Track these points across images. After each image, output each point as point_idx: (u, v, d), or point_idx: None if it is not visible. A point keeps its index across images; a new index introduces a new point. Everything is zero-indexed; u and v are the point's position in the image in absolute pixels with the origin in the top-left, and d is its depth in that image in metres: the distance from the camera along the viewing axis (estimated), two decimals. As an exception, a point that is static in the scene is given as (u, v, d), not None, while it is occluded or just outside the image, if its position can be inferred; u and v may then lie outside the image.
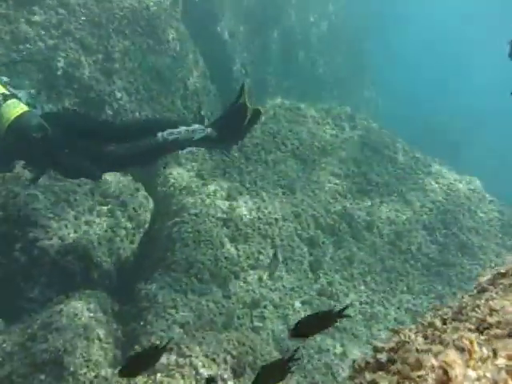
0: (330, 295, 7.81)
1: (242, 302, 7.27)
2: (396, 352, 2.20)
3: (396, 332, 2.41)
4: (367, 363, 2.43)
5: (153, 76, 10.69)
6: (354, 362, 2.54)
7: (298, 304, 7.53)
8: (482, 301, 2.19)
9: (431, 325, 2.31)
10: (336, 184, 9.30)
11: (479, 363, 0.85)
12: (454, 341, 1.66)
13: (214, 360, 4.65)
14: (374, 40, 19.58)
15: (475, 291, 2.45)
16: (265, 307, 7.30)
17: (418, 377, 1.47)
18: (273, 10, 15.37)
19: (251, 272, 7.69)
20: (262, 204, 8.49)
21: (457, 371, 0.77)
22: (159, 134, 5.89)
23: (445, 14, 27.70)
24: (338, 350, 7.19)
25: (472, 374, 0.80)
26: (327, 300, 7.75)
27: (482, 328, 1.68)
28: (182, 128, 6.03)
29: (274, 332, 7.07)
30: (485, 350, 0.88)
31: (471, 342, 0.84)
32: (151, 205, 8.70)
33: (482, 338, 1.48)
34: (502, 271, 2.33)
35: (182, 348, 4.59)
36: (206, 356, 4.65)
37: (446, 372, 0.78)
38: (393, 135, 10.80)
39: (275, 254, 5.24)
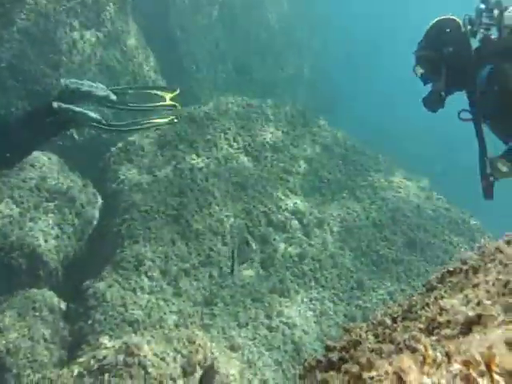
0: (281, 293, 7.81)
1: (193, 300, 7.20)
2: (347, 351, 2.19)
3: (347, 330, 2.40)
4: (318, 362, 2.41)
5: (102, 69, 10.50)
6: (304, 360, 2.52)
7: (248, 301, 7.50)
8: (431, 299, 2.20)
9: (381, 323, 2.31)
10: (287, 181, 9.31)
11: (433, 369, 0.83)
12: (405, 341, 1.65)
13: (163, 359, 4.58)
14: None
15: (424, 289, 2.46)
16: (216, 305, 7.24)
17: (370, 378, 1.45)
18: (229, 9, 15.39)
19: (202, 269, 7.62)
20: (214, 201, 8.42)
21: (411, 377, 0.75)
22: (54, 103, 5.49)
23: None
24: (289, 346, 7.20)
25: (427, 381, 0.78)
26: (278, 297, 7.75)
27: (431, 327, 1.67)
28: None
29: (223, 329, 7.02)
30: (439, 354, 0.86)
31: (425, 346, 0.82)
32: (99, 201, 8.53)
33: (433, 338, 1.47)
34: (450, 269, 2.34)
35: (131, 347, 4.50)
36: (156, 355, 4.57)
37: (400, 378, 0.75)
38: (344, 133, 10.89)
39: (248, 243, 5.13)
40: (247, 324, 7.22)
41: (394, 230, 9.18)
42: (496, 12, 3.84)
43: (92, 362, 4.42)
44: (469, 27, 3.95)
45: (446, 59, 3.98)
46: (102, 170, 9.11)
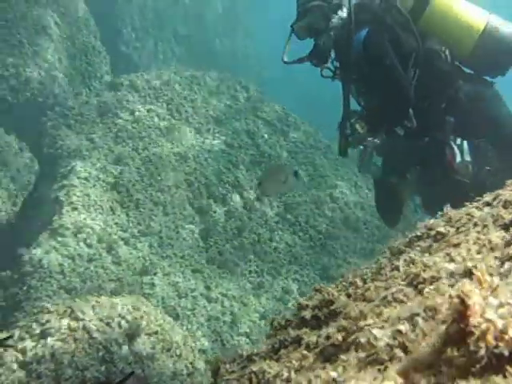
0: (220, 264, 7.84)
1: (132, 269, 7.12)
2: (320, 310, 2.22)
3: (318, 291, 2.44)
4: (287, 321, 2.45)
5: (38, 30, 10.12)
6: (272, 320, 2.55)
7: (188, 272, 7.50)
8: (401, 261, 2.26)
9: (353, 284, 2.36)
10: (229, 154, 9.30)
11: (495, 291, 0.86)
12: (392, 294, 1.70)
13: (108, 324, 4.52)
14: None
15: (388, 254, 2.52)
16: (155, 275, 7.20)
17: (366, 325, 1.49)
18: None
19: (142, 239, 7.55)
20: (155, 171, 8.32)
21: (475, 299, 0.77)
22: None
23: None
24: (228, 317, 7.25)
25: (494, 301, 0.80)
26: (218, 269, 7.78)
27: (415, 283, 1.72)
28: None
29: (163, 299, 7.00)
30: (495, 279, 0.88)
31: (481, 272, 0.84)
32: (36, 166, 8.27)
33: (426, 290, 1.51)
34: (418, 234, 2.41)
35: (75, 311, 4.42)
36: (101, 320, 4.51)
37: (463, 301, 0.77)
38: (285, 110, 10.93)
39: (297, 173, 5.00)
40: (187, 295, 7.22)
41: (331, 207, 9.36)
42: None
43: (34, 325, 4.31)
44: None
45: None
46: (39, 135, 8.82)
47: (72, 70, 10.74)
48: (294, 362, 1.79)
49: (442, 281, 1.43)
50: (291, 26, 4.11)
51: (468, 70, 4.14)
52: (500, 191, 2.13)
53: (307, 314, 2.26)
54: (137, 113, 9.16)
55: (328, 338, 1.69)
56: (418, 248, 2.29)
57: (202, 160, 8.92)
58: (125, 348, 4.47)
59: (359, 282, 2.33)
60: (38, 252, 6.85)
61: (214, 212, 8.40)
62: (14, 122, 8.64)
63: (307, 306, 2.35)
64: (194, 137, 9.29)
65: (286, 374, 1.63)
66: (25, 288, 6.50)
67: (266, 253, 8.31)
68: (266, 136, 10.01)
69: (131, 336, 4.56)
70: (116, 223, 7.47)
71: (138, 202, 7.82)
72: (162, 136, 8.95)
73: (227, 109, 10.05)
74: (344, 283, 2.48)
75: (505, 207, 1.98)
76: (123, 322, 4.62)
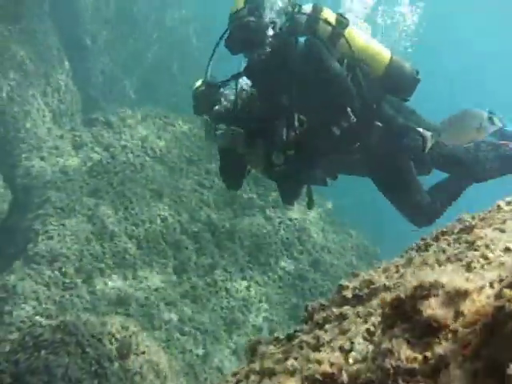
0: (193, 299, 7.88)
1: (108, 299, 7.09)
2: (360, 290, 2.36)
3: (355, 275, 2.58)
4: (321, 305, 2.56)
5: (14, 66, 10.21)
6: (306, 306, 2.66)
7: (162, 305, 7.49)
8: (434, 248, 2.42)
9: (386, 270, 2.51)
10: (202, 193, 9.45)
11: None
12: (456, 254, 1.87)
13: (100, 341, 4.53)
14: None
15: (416, 248, 2.68)
16: (130, 305, 7.17)
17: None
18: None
19: (116, 270, 7.54)
20: (130, 205, 8.38)
21: None
22: None
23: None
24: (200, 351, 7.26)
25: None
26: (191, 303, 7.81)
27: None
28: None
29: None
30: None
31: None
32: (10, 195, 8.20)
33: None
34: (444, 230, 2.59)
35: (69, 326, 4.42)
36: (93, 336, 4.51)
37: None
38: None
39: (491, 117, 4.73)
40: (160, 327, 7.21)
41: (300, 249, 9.56)
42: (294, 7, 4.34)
43: (27, 338, 4.28)
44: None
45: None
46: (13, 166, 8.79)
47: (45, 107, 10.80)
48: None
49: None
50: (225, 42, 4.30)
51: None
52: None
53: (348, 293, 2.39)
54: (111, 149, 9.25)
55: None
56: (446, 240, 2.45)
57: (175, 197, 9.03)
58: (116, 364, 4.47)
59: (393, 268, 2.50)
60: (11, 278, 6.77)
61: (187, 248, 8.46)
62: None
63: (347, 286, 2.49)
64: (167, 175, 9.41)
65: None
66: (-2, 313, 6.39)
67: (237, 290, 8.39)
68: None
69: (122, 353, 4.57)
70: (91, 254, 7.46)
71: (112, 234, 7.84)
72: (136, 172, 9.04)
73: (200, 150, 10.23)
74: (378, 269, 2.63)
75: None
76: (113, 340, 4.63)
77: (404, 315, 1.02)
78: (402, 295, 1.03)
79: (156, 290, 7.65)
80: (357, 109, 4.15)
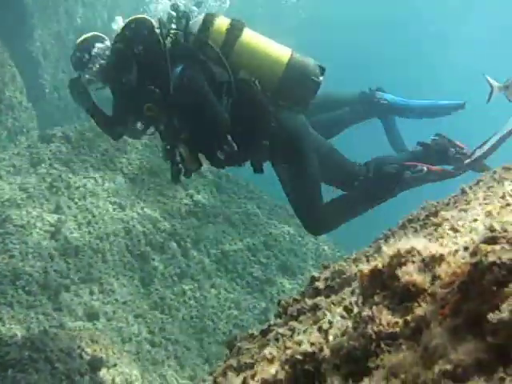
0: (162, 310, 7.81)
1: (74, 315, 6.96)
2: (332, 280, 2.37)
3: (325, 267, 2.60)
4: (294, 300, 2.57)
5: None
6: (279, 301, 2.66)
7: (131, 317, 7.40)
8: (402, 235, 2.47)
9: (356, 260, 2.53)
10: (164, 203, 9.39)
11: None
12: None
13: (69, 355, 4.45)
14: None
15: (384, 238, 2.71)
16: (98, 320, 7.06)
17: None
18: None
19: (82, 285, 7.42)
20: (93, 219, 8.28)
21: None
22: None
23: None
24: (172, 362, 7.19)
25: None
26: (160, 314, 7.73)
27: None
28: None
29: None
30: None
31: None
32: (-32, 216, 8.00)
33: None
34: (410, 217, 2.63)
35: (36, 343, 4.32)
36: (61, 351, 4.43)
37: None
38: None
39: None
40: (130, 339, 7.11)
41: (267, 254, 9.57)
42: (184, 21, 4.53)
43: (-6, 357, 4.18)
44: (162, 29, 4.50)
45: (137, 57, 4.48)
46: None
47: (-2, 124, 10.62)
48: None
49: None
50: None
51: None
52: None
53: (320, 284, 2.40)
54: (70, 163, 9.12)
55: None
56: (413, 227, 2.49)
57: (138, 209, 8.95)
58: (87, 378, 4.40)
59: (362, 256, 2.52)
60: (-26, 300, 6.60)
61: (153, 259, 8.39)
62: None
63: (319, 277, 2.50)
64: (129, 186, 9.32)
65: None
66: (-38, 337, 6.21)
67: (205, 298, 8.34)
68: (199, 187, 10.18)
69: (92, 367, 4.50)
70: (55, 270, 7.32)
71: (77, 249, 7.72)
72: (97, 185, 8.94)
73: (161, 161, 10.15)
74: (347, 259, 2.66)
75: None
76: (83, 354, 4.55)
77: (382, 284, 1.03)
78: (380, 265, 1.04)
79: (124, 303, 7.55)
80: (241, 131, 4.26)
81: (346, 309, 1.35)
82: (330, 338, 1.22)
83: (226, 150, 4.25)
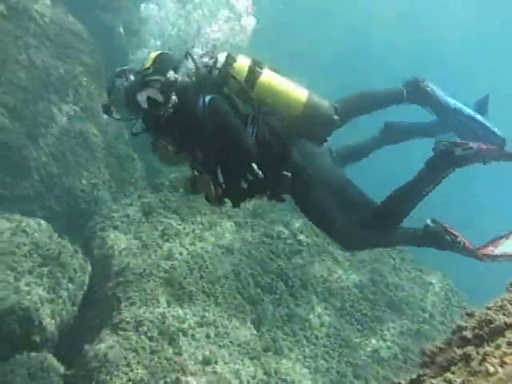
0: (275, 351, 7.96)
1: (194, 359, 7.24)
2: (480, 329, 2.39)
3: (470, 315, 2.63)
4: (440, 348, 2.59)
5: (79, 142, 10.70)
6: (421, 349, 2.71)
7: (246, 359, 7.61)
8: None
9: (502, 307, 2.54)
10: (270, 244, 9.62)
11: None
12: None
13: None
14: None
15: None
16: (216, 363, 7.31)
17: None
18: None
19: (198, 329, 7.71)
20: (203, 264, 8.61)
21: None
22: None
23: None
24: (290, 402, 7.31)
25: None
26: (273, 355, 7.89)
27: None
28: None
29: (226, 387, 7.08)
30: None
31: None
32: (89, 267, 8.55)
33: None
34: None
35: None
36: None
37: None
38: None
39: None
40: (248, 382, 7.30)
41: (373, 290, 9.56)
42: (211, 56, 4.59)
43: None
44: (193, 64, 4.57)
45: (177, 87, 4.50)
46: (88, 238, 9.21)
47: (109, 176, 11.25)
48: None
49: None
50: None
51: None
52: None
53: (468, 333, 2.43)
54: (179, 210, 9.56)
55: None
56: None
57: (245, 251, 9.23)
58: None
59: (508, 305, 2.54)
60: (102, 347, 7.02)
61: (262, 300, 8.60)
62: (66, 227, 9.09)
63: (466, 327, 2.54)
64: (234, 230, 9.64)
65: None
66: (94, 383, 6.63)
67: (317, 337, 8.43)
68: (297, 225, 10.34)
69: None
70: (172, 316, 7.67)
71: (191, 294, 8.05)
72: (205, 230, 9.30)
73: (263, 203, 10.44)
74: (495, 307, 2.67)
75: None
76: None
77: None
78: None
79: (239, 345, 7.77)
80: (263, 162, 4.34)
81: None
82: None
83: (249, 178, 4.43)
